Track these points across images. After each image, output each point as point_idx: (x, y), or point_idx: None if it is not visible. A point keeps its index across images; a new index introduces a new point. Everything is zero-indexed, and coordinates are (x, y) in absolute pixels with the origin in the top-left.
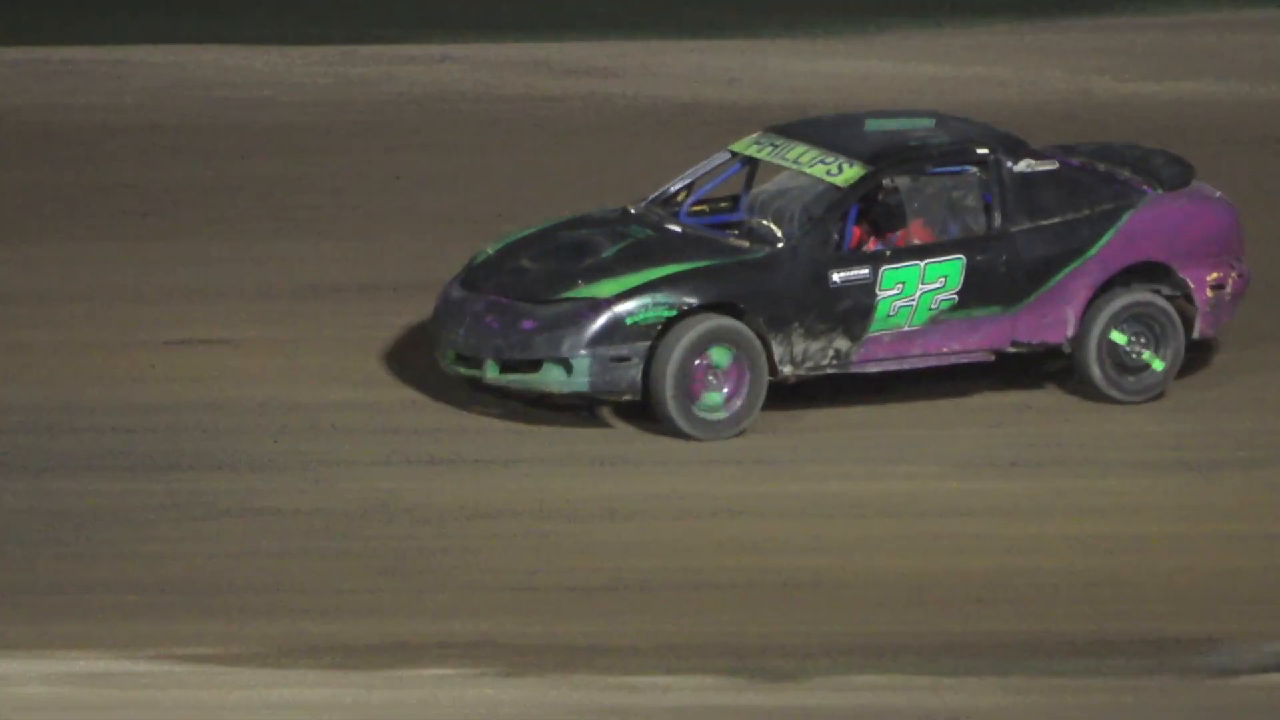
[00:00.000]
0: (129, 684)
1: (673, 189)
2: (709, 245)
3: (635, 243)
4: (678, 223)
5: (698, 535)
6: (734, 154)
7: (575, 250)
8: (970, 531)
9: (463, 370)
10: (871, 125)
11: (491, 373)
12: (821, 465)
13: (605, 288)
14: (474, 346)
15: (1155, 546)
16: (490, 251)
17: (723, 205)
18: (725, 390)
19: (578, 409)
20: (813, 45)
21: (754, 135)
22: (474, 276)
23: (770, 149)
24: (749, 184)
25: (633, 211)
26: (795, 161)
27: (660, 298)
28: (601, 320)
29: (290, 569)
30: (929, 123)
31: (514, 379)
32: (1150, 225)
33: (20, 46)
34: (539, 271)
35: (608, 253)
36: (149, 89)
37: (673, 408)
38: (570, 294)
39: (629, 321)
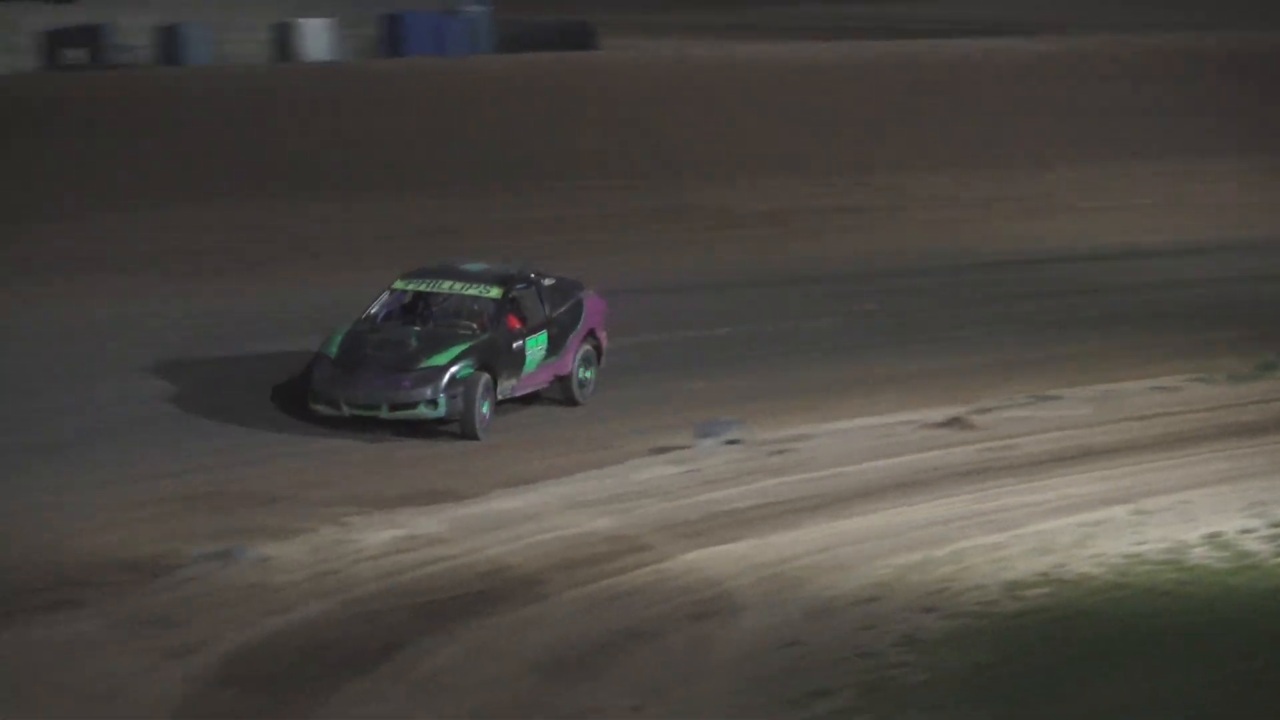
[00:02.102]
0: None
1: (372, 311)
2: (463, 335)
3: (430, 336)
4: (431, 324)
5: None
6: (403, 289)
7: (396, 343)
8: None
9: (360, 412)
10: (472, 266)
11: (385, 413)
12: None
13: (440, 359)
14: (370, 398)
15: None
16: (335, 349)
17: (409, 316)
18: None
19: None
20: None
21: (406, 279)
22: (346, 360)
23: (426, 284)
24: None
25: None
26: (452, 289)
27: (467, 362)
28: (447, 376)
29: None
30: (486, 265)
31: (400, 414)
32: (589, 309)
33: None
34: (391, 355)
35: (415, 343)
36: None
37: (477, 419)
38: (424, 364)
39: (459, 376)
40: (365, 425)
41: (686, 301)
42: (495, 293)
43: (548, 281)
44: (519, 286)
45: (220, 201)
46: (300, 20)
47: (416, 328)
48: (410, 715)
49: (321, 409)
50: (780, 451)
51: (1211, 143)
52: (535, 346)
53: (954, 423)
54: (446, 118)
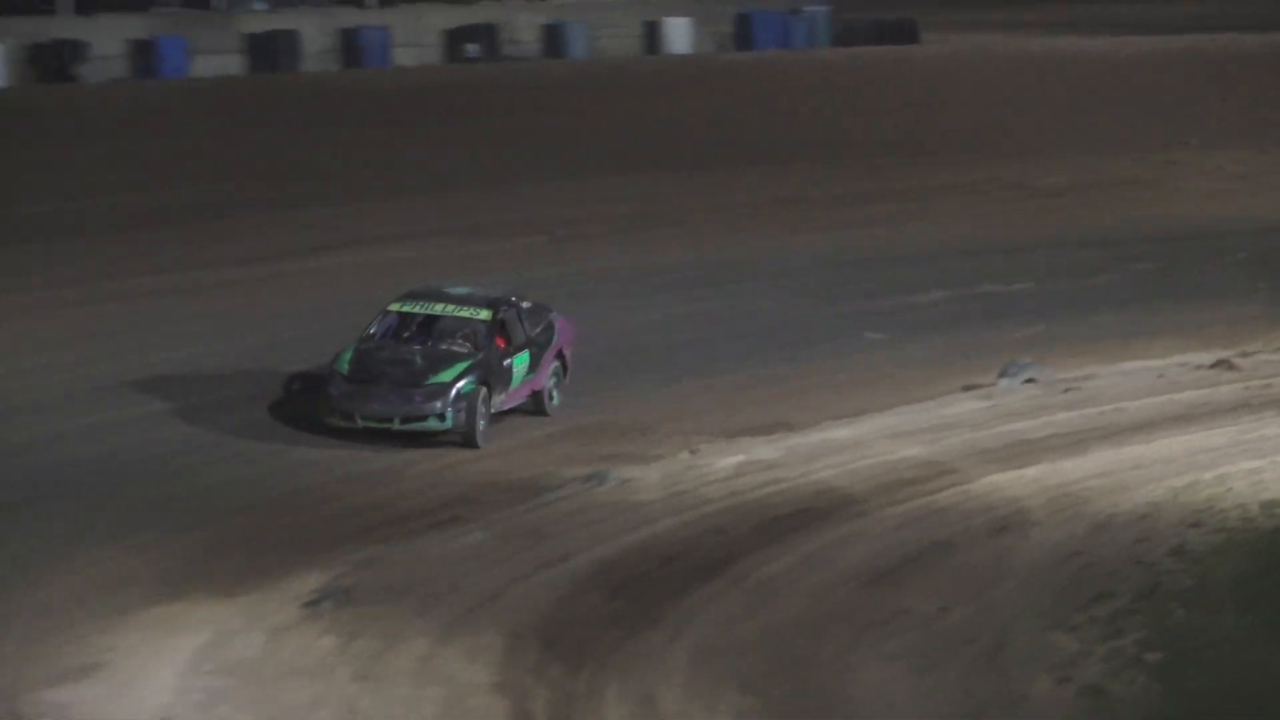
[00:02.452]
0: None
1: (371, 330)
2: (462, 354)
3: (432, 355)
4: (431, 344)
5: None
6: (398, 311)
7: (404, 361)
8: None
9: (373, 425)
10: (459, 290)
11: (397, 425)
12: None
13: (446, 376)
14: (385, 412)
15: None
16: (346, 367)
17: (405, 335)
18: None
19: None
20: None
21: (401, 302)
22: (359, 376)
23: (421, 306)
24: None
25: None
26: (445, 310)
27: (470, 379)
28: (454, 392)
29: None
30: (471, 289)
31: (411, 426)
32: (560, 329)
33: None
34: (401, 372)
35: (421, 361)
36: None
37: (478, 430)
38: (432, 380)
39: (463, 391)
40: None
41: (988, 262)
42: (485, 315)
43: (525, 305)
44: (504, 309)
45: (596, 176)
46: (665, 19)
47: (418, 347)
48: (748, 616)
49: (336, 421)
50: (1070, 389)
51: None
52: (520, 364)
53: (1220, 365)
54: (789, 102)
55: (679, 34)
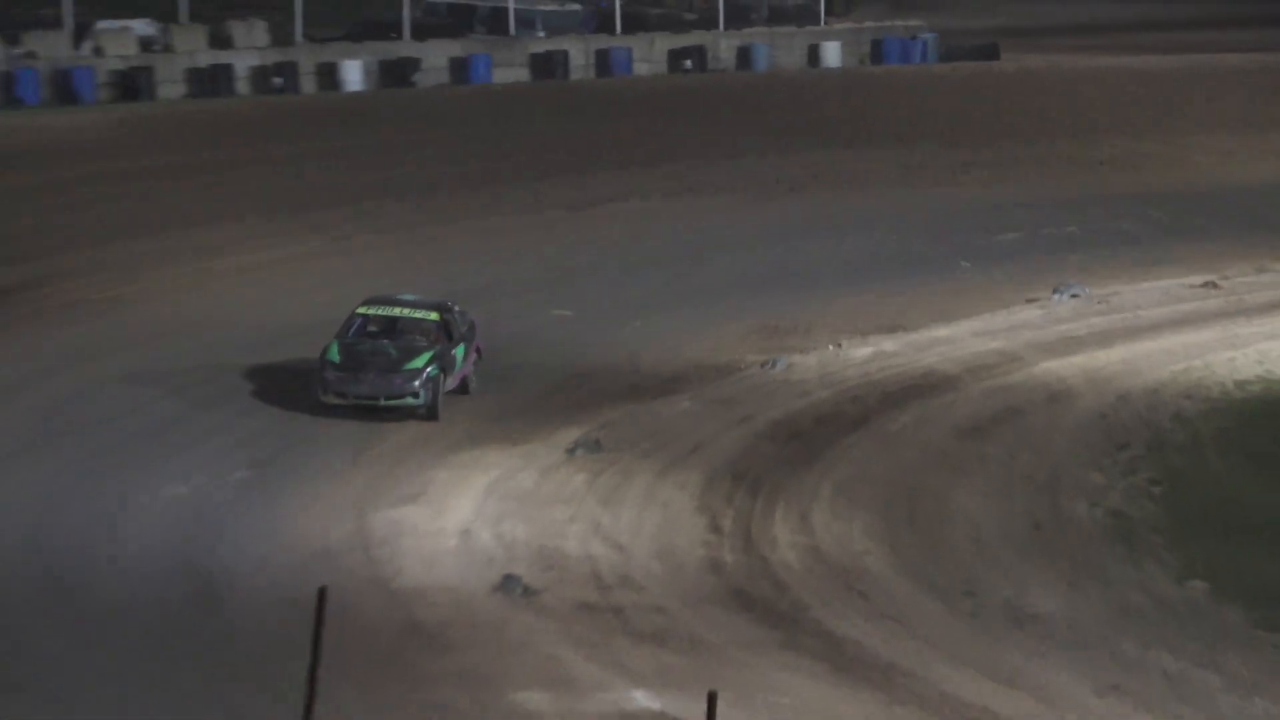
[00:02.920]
0: None
1: (346, 328)
2: (426, 347)
3: (401, 347)
4: (399, 339)
5: None
6: (362, 314)
7: (382, 352)
8: None
9: (363, 403)
10: (407, 296)
11: (382, 402)
12: None
13: (418, 363)
14: (373, 392)
15: None
16: (337, 357)
17: (374, 331)
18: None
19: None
20: None
21: (368, 306)
22: (347, 364)
23: (383, 309)
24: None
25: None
26: (403, 312)
27: (434, 365)
28: (425, 375)
29: None
30: (416, 295)
31: (392, 403)
32: (476, 328)
33: None
34: (382, 360)
35: (395, 352)
36: None
37: (439, 405)
38: (408, 367)
39: (431, 375)
40: None
41: (1048, 213)
42: (435, 316)
43: (457, 309)
44: (445, 312)
45: (776, 154)
46: (823, 42)
47: (388, 341)
48: (876, 459)
49: (330, 400)
50: (1102, 302)
51: None
52: (459, 354)
53: (1208, 284)
54: (909, 99)
55: (832, 53)
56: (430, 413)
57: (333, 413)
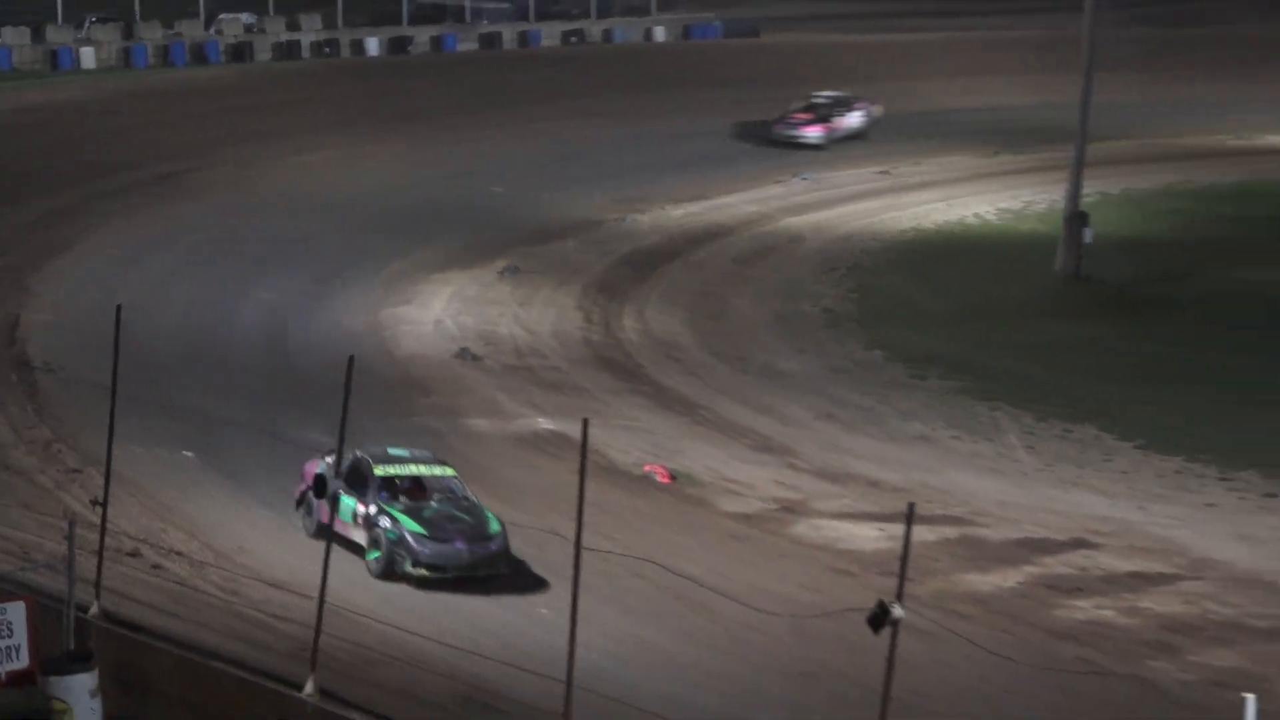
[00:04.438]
0: None
1: (376, 490)
2: (476, 503)
3: (463, 510)
4: (445, 497)
5: None
6: (385, 475)
7: (460, 518)
8: None
9: (464, 573)
10: (399, 451)
11: (482, 572)
12: None
13: (496, 525)
14: (475, 562)
15: None
16: (420, 528)
17: (403, 491)
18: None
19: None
20: None
21: (383, 466)
22: (437, 535)
23: (398, 468)
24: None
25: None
26: (419, 469)
27: (497, 521)
28: (504, 537)
29: None
30: (410, 449)
31: (486, 571)
32: None
33: None
34: (468, 528)
35: (470, 516)
36: None
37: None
38: (492, 531)
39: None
40: None
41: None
42: (450, 470)
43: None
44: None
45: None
46: (654, 26)
47: (436, 503)
48: (685, 277)
49: (422, 574)
50: (823, 184)
51: None
52: None
53: (883, 173)
54: (700, 63)
55: (660, 33)
56: (507, 564)
57: (361, 249)
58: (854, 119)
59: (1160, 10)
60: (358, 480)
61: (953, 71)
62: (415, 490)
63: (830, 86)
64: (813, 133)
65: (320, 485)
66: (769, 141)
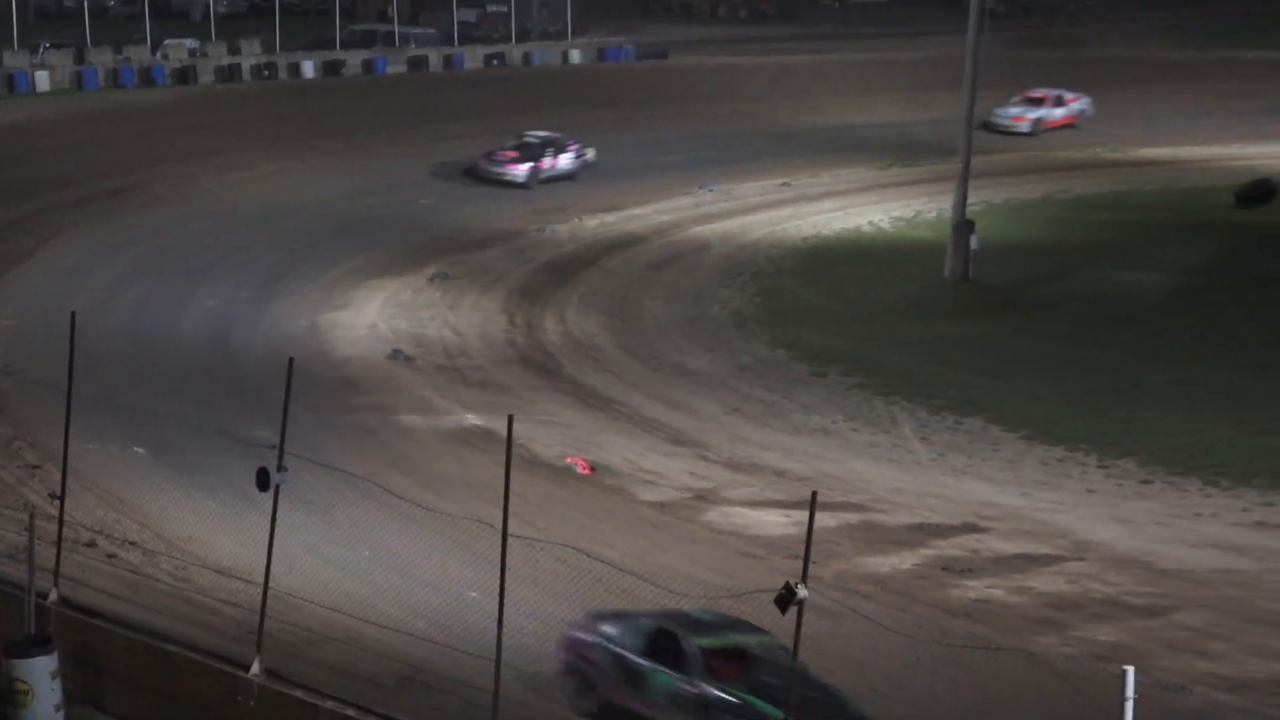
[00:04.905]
0: None
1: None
2: (824, 680)
3: (818, 689)
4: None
5: None
6: (703, 647)
7: (813, 700)
8: None
9: None
10: (714, 616)
11: None
12: None
13: (858, 708)
14: None
15: None
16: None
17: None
18: None
19: None
20: None
21: (703, 638)
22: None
23: (720, 640)
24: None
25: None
26: (739, 641)
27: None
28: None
29: None
30: (714, 613)
31: None
32: None
33: None
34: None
35: (839, 697)
36: None
37: None
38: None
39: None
40: None
41: (691, 144)
42: (767, 638)
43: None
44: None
45: None
46: (568, 49)
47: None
48: (602, 282)
49: None
50: (726, 194)
51: None
52: None
53: (784, 184)
54: (613, 83)
55: (574, 55)
56: None
57: (299, 257)
58: (564, 160)
59: (1031, 34)
60: (665, 652)
61: (845, 90)
62: (736, 662)
63: (729, 106)
64: (517, 171)
65: (263, 478)
66: (475, 177)
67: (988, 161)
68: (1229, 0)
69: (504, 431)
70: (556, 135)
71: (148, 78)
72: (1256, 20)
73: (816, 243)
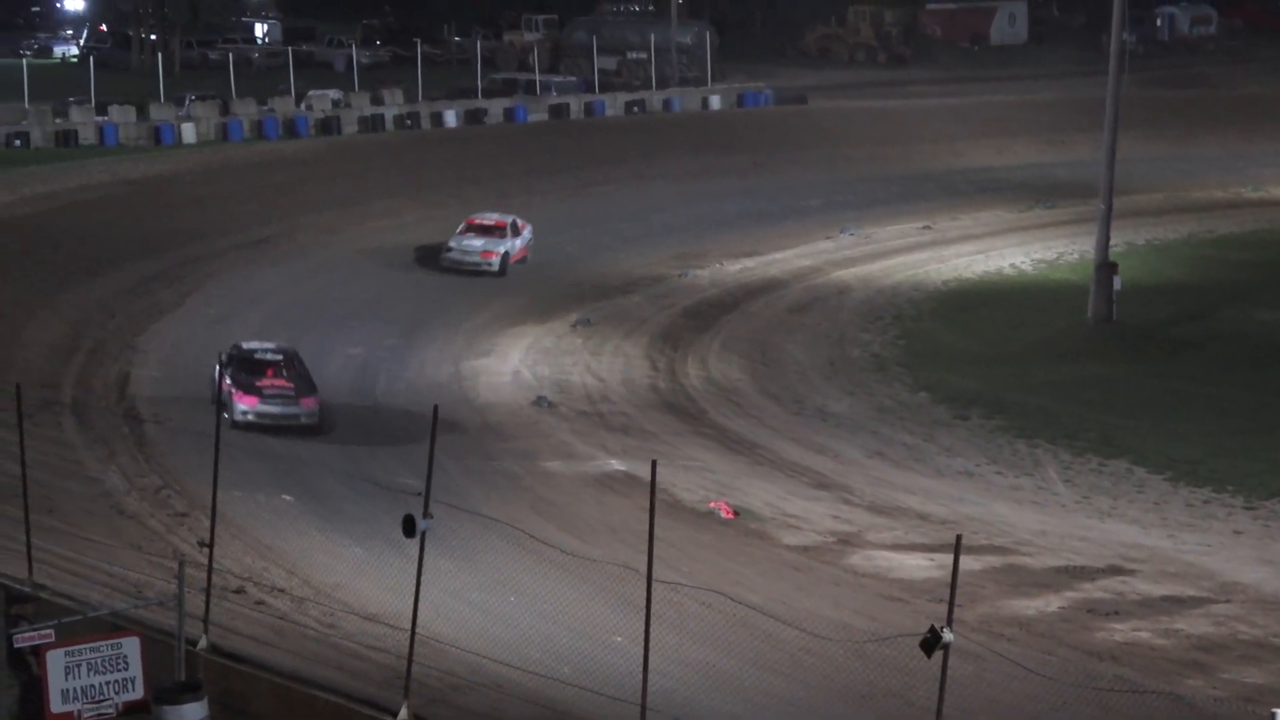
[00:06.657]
0: None
1: None
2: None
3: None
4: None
5: None
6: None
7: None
8: None
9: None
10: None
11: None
12: None
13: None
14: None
15: None
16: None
17: None
18: None
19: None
20: None
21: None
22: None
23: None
24: None
25: None
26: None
27: None
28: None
29: None
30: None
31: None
32: None
33: None
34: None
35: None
36: None
37: None
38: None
39: None
40: None
41: (831, 189)
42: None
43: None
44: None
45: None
46: (709, 95)
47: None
48: (742, 325)
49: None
50: (868, 238)
51: None
52: None
53: (925, 228)
54: (752, 129)
55: (715, 101)
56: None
57: (441, 305)
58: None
59: (1165, 74)
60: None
61: (983, 132)
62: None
63: (867, 150)
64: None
65: (409, 525)
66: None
67: (1128, 202)
68: None
69: (646, 476)
70: (510, 217)
71: (292, 129)
72: None
73: (957, 285)
